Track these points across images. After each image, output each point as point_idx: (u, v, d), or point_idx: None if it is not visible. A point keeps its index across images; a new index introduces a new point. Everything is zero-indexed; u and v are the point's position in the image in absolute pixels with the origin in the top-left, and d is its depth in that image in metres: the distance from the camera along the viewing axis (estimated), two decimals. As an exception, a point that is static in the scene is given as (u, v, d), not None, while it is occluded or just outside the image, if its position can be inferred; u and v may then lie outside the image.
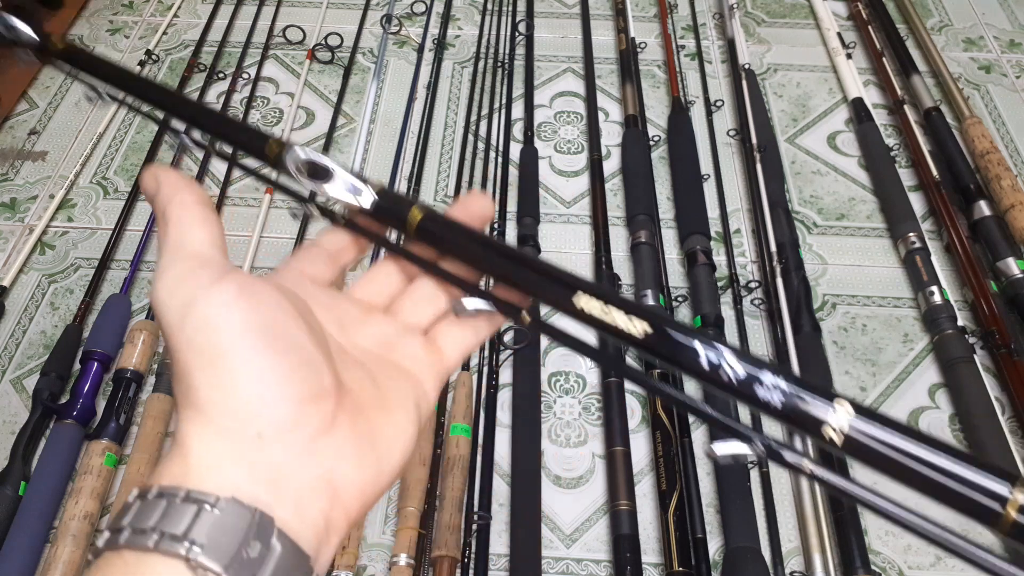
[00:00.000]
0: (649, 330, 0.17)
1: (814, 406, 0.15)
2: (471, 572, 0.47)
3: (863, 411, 0.15)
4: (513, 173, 0.71)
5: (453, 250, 0.20)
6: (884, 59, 0.79)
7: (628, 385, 0.57)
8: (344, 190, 0.20)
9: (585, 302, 0.18)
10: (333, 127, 0.74)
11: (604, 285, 0.17)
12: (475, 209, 0.21)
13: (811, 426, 0.15)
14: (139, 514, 0.14)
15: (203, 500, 0.14)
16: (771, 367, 0.16)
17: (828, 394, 0.15)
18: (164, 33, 0.84)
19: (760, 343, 0.60)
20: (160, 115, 0.23)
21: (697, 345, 0.17)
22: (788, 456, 0.16)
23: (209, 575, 0.13)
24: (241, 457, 0.15)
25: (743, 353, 0.16)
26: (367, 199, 0.20)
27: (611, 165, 0.72)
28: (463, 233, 0.20)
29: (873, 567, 0.49)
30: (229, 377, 0.15)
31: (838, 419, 0.15)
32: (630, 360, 0.59)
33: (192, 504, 0.14)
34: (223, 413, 0.15)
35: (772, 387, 0.16)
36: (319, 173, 0.20)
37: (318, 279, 0.20)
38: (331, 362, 0.17)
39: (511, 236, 0.66)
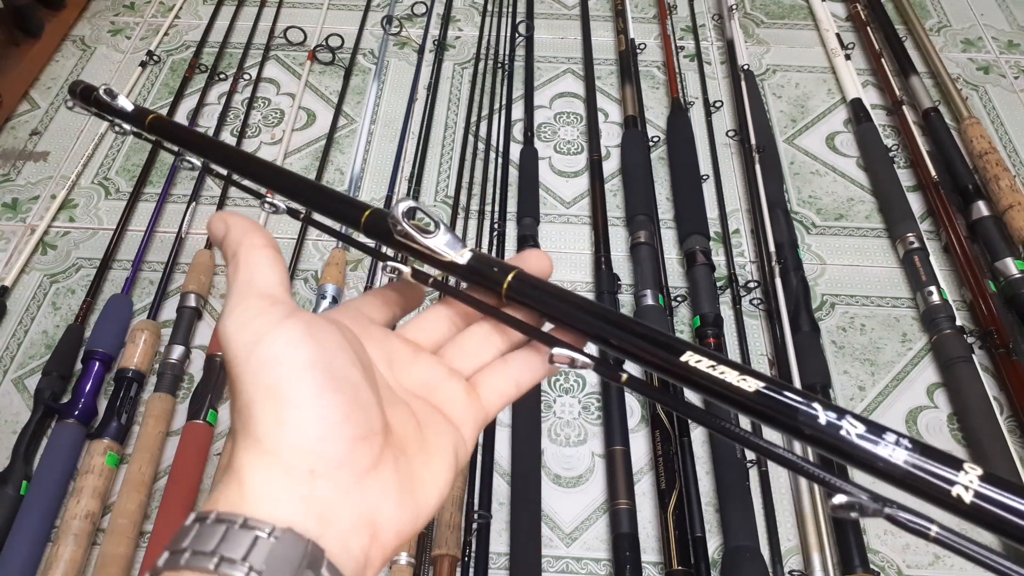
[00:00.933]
0: (763, 388, 0.17)
1: (941, 471, 0.15)
2: (471, 571, 0.47)
3: (991, 478, 0.14)
4: (513, 173, 0.71)
5: (548, 312, 0.20)
6: (883, 60, 0.79)
7: (628, 385, 0.57)
8: (444, 245, 0.21)
9: (694, 361, 0.18)
10: (334, 128, 0.75)
11: (709, 350, 0.17)
12: (534, 264, 0.21)
13: (937, 492, 0.15)
14: (198, 537, 0.15)
15: (260, 528, 0.15)
16: (894, 431, 0.15)
17: (954, 460, 0.15)
18: (165, 34, 0.85)
19: (759, 343, 0.60)
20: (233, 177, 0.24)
21: (817, 406, 0.16)
22: (909, 517, 0.15)
23: None
24: (293, 490, 0.15)
25: (864, 418, 0.16)
26: (463, 256, 0.21)
27: (611, 166, 0.73)
28: (558, 296, 0.20)
29: (872, 566, 0.49)
30: (289, 412, 0.16)
31: (966, 483, 0.14)
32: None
33: (250, 531, 0.14)
34: (280, 446, 0.16)
35: (894, 446, 0.15)
36: (424, 227, 0.21)
37: (373, 317, 0.21)
38: (380, 403, 0.17)
39: (511, 236, 0.66)
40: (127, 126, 0.28)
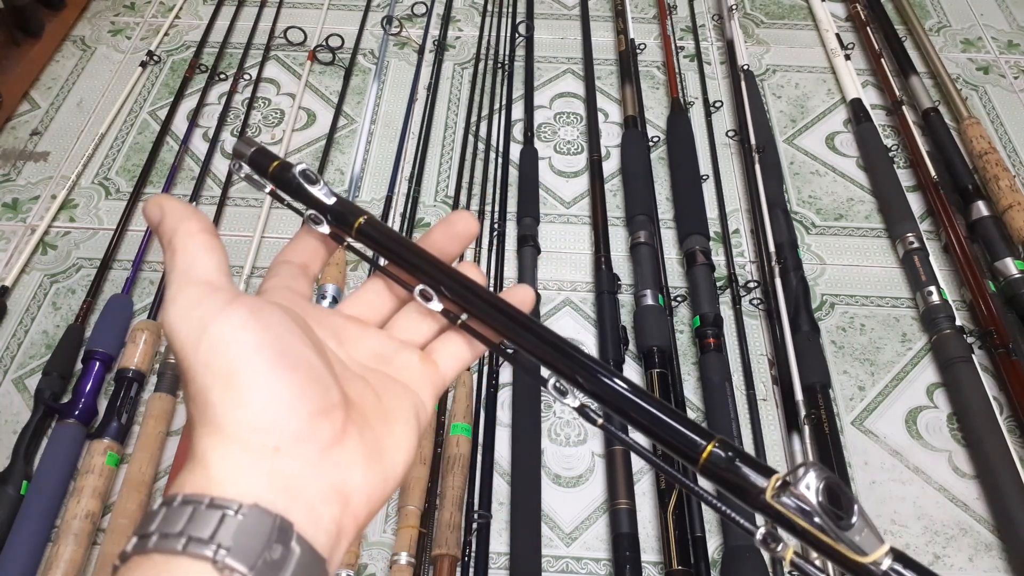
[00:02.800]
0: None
1: None
2: (471, 571, 0.47)
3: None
4: (513, 174, 0.71)
5: (386, 254, 0.21)
6: (882, 60, 0.79)
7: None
8: (320, 192, 0.21)
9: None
10: (334, 128, 0.75)
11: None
12: (459, 228, 0.22)
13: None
14: (166, 520, 0.15)
15: (227, 506, 0.15)
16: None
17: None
18: (166, 34, 0.85)
19: (759, 343, 0.60)
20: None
21: None
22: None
23: (235, 575, 0.14)
24: (258, 469, 0.16)
25: None
26: (330, 200, 0.22)
27: (611, 166, 0.73)
28: (395, 241, 0.21)
29: (871, 566, 0.49)
30: (245, 394, 0.16)
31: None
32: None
33: (216, 510, 0.15)
34: (241, 428, 0.16)
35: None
36: (312, 180, 0.21)
37: (302, 294, 0.21)
38: (336, 377, 0.18)
39: (511, 236, 0.66)
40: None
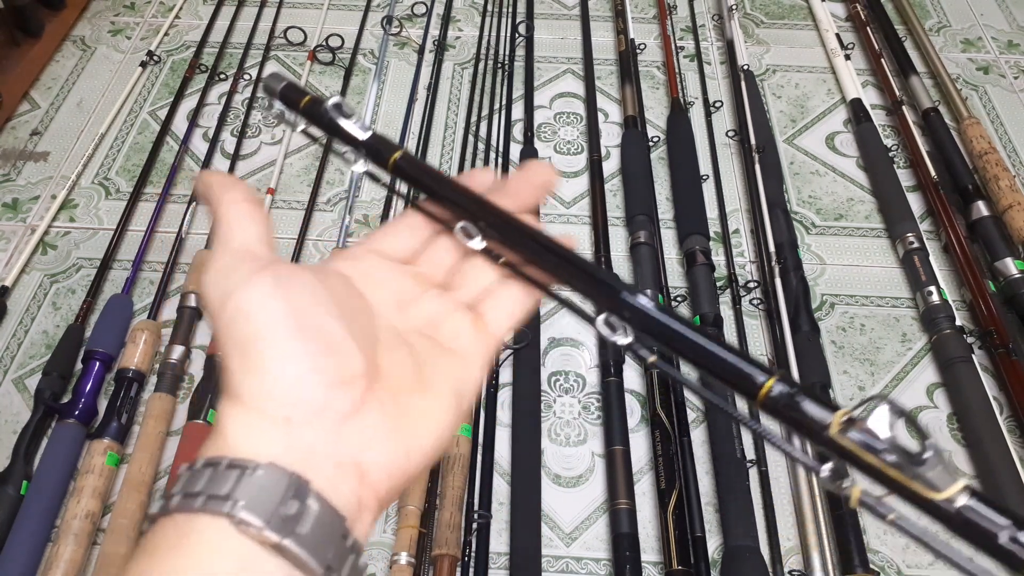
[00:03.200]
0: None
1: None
2: (471, 571, 0.47)
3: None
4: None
5: (425, 188, 0.21)
6: (882, 60, 0.79)
7: (627, 384, 0.57)
8: (355, 126, 0.21)
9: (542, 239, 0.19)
10: (334, 128, 0.75)
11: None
12: (537, 180, 0.21)
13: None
14: (188, 481, 0.15)
15: (244, 465, 0.15)
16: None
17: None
18: (166, 34, 0.85)
19: (759, 343, 0.60)
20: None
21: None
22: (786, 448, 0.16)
23: (251, 529, 0.14)
24: (273, 436, 0.16)
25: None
26: (365, 135, 0.21)
27: (611, 166, 0.73)
28: (434, 176, 0.20)
29: (871, 566, 0.49)
30: (260, 363, 0.16)
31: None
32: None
33: (235, 469, 0.15)
34: (254, 397, 0.16)
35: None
36: (347, 114, 0.21)
37: (391, 255, 0.21)
38: (364, 346, 0.18)
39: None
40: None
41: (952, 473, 0.15)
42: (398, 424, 0.17)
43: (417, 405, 0.18)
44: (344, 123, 0.21)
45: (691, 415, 0.55)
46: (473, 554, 0.48)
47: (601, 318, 0.19)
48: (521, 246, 0.20)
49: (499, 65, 0.80)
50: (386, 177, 0.21)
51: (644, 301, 0.18)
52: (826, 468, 0.16)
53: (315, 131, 0.22)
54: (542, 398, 0.56)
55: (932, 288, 0.60)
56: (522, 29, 0.83)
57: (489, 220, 0.20)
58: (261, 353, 0.16)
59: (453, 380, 0.19)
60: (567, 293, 0.20)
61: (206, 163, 0.72)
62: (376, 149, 0.21)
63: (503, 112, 0.75)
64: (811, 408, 0.16)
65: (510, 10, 0.86)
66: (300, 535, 0.15)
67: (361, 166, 0.21)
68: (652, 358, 0.19)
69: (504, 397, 0.56)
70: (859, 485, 0.16)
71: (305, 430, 0.16)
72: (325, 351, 0.16)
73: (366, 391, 0.17)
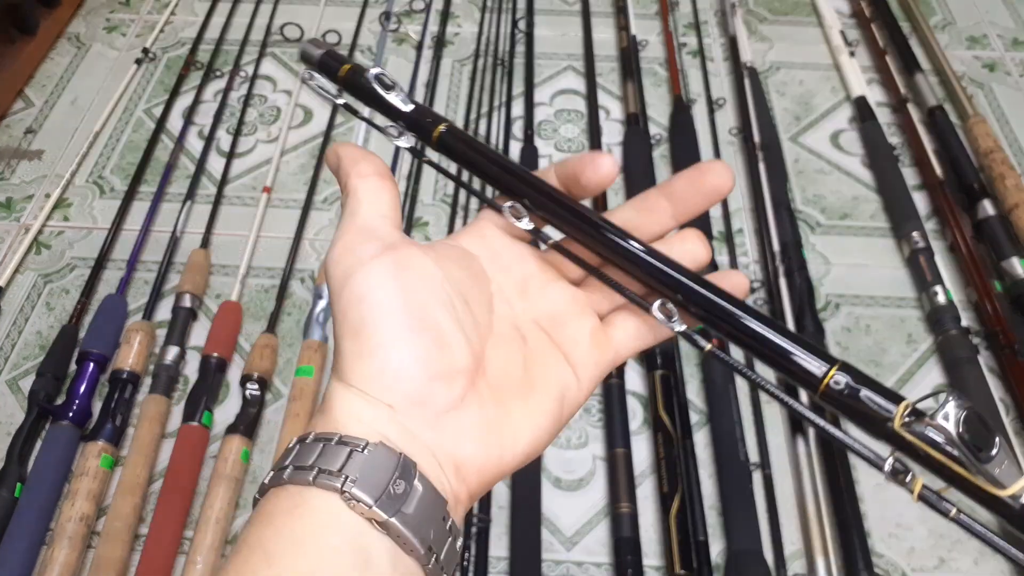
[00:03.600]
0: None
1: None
2: (471, 575, 0.47)
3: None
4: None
5: (471, 165, 0.19)
6: (887, 57, 0.79)
7: (629, 386, 0.56)
8: (397, 99, 0.20)
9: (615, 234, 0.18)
10: (331, 125, 0.74)
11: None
12: (710, 180, 0.19)
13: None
14: (299, 454, 0.16)
15: (355, 443, 0.16)
16: None
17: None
18: (161, 31, 0.84)
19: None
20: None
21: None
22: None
23: (361, 505, 0.15)
24: (380, 420, 0.16)
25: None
26: (407, 107, 0.20)
27: (612, 164, 0.72)
28: (482, 152, 0.19)
29: (876, 570, 0.48)
30: (368, 348, 0.16)
31: None
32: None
33: (345, 446, 0.16)
34: (360, 381, 0.16)
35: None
36: (388, 86, 0.20)
37: (519, 233, 0.20)
38: (474, 339, 0.18)
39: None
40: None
41: (1019, 469, 0.15)
42: (496, 424, 0.17)
43: (518, 407, 0.18)
44: (387, 95, 0.20)
45: (694, 417, 0.54)
46: (472, 558, 0.47)
47: (657, 304, 0.18)
48: (574, 228, 0.19)
49: (499, 62, 0.79)
50: (433, 156, 0.20)
51: (699, 291, 0.18)
52: (889, 462, 0.15)
53: (356, 104, 0.21)
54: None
55: (938, 288, 0.59)
56: (522, 25, 0.82)
57: (539, 201, 0.19)
58: (371, 339, 0.16)
59: (560, 386, 0.19)
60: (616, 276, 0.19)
61: (201, 162, 0.71)
62: (418, 122, 0.20)
63: (503, 109, 0.74)
64: (875, 399, 0.15)
65: (510, 6, 0.85)
66: (405, 514, 0.15)
67: (405, 141, 0.20)
68: (708, 346, 0.18)
69: (504, 399, 0.55)
70: (920, 478, 0.15)
71: (406, 419, 0.16)
72: (432, 344, 0.17)
73: (468, 387, 0.17)
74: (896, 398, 0.15)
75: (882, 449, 0.16)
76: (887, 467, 0.15)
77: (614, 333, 0.20)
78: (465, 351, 0.17)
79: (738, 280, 0.19)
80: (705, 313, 0.17)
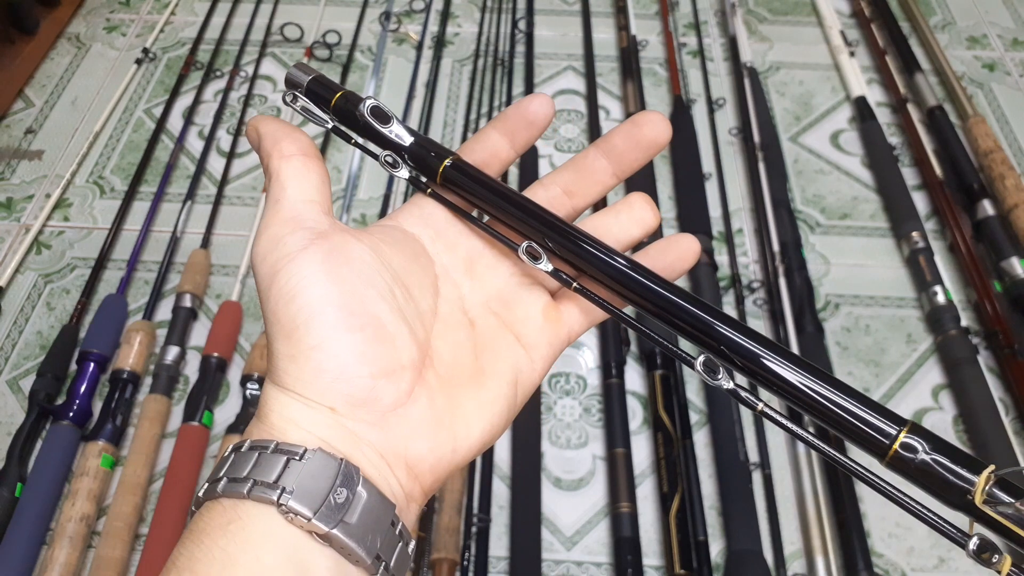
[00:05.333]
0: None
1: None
2: (471, 574, 0.47)
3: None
4: (513, 172, 0.70)
5: (479, 203, 0.18)
6: (887, 57, 0.79)
7: (629, 386, 0.56)
8: (394, 132, 0.18)
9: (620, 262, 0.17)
10: (332, 126, 0.74)
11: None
12: (647, 132, 0.18)
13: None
14: (234, 465, 0.15)
15: (292, 451, 0.15)
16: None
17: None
18: (161, 31, 0.84)
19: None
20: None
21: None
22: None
23: (299, 519, 0.14)
24: (318, 423, 0.15)
25: None
26: (407, 140, 0.18)
27: (612, 164, 0.72)
28: (492, 188, 0.18)
29: (876, 570, 0.48)
30: (303, 351, 0.15)
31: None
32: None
33: (281, 455, 0.15)
34: (296, 384, 0.15)
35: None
36: (384, 119, 0.18)
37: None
38: (419, 330, 0.16)
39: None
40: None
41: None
42: (447, 417, 0.16)
43: (470, 396, 0.17)
44: (383, 129, 0.18)
45: (694, 417, 0.54)
46: (472, 558, 0.47)
47: (701, 360, 0.16)
48: (597, 271, 0.17)
49: (499, 62, 0.79)
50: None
51: (747, 348, 0.16)
52: (974, 541, 0.13)
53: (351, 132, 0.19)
54: (542, 400, 0.56)
55: (937, 288, 0.59)
56: (522, 25, 0.82)
57: (558, 241, 0.17)
58: (304, 339, 0.15)
59: (513, 369, 0.18)
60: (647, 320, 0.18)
61: (201, 161, 0.71)
62: (421, 157, 0.18)
63: (503, 109, 0.74)
64: (951, 469, 0.13)
65: (510, 6, 0.85)
66: (349, 524, 0.14)
67: (404, 172, 0.18)
68: (760, 405, 0.16)
69: (504, 399, 0.55)
70: (1008, 558, 0.14)
71: (349, 421, 0.15)
72: (373, 339, 0.15)
73: (415, 381, 0.16)
74: (977, 465, 0.14)
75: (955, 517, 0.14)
76: (971, 546, 0.13)
77: (566, 309, 0.19)
78: (409, 343, 0.16)
79: (687, 244, 0.19)
80: (766, 382, 0.16)
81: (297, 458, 0.14)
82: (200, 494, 0.15)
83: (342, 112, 0.19)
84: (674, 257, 0.19)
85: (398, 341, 0.16)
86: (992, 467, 0.14)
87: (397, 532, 0.15)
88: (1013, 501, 0.13)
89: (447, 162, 0.18)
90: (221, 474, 0.15)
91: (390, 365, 0.16)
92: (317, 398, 0.15)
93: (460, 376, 0.17)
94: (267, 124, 0.18)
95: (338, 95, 0.19)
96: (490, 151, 0.19)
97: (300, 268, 0.16)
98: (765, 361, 0.16)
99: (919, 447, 0.14)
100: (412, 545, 0.16)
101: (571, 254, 0.17)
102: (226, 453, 0.15)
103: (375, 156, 0.19)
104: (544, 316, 0.18)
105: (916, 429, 0.14)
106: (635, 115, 0.19)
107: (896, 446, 0.14)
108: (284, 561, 0.14)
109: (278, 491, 0.14)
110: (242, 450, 0.15)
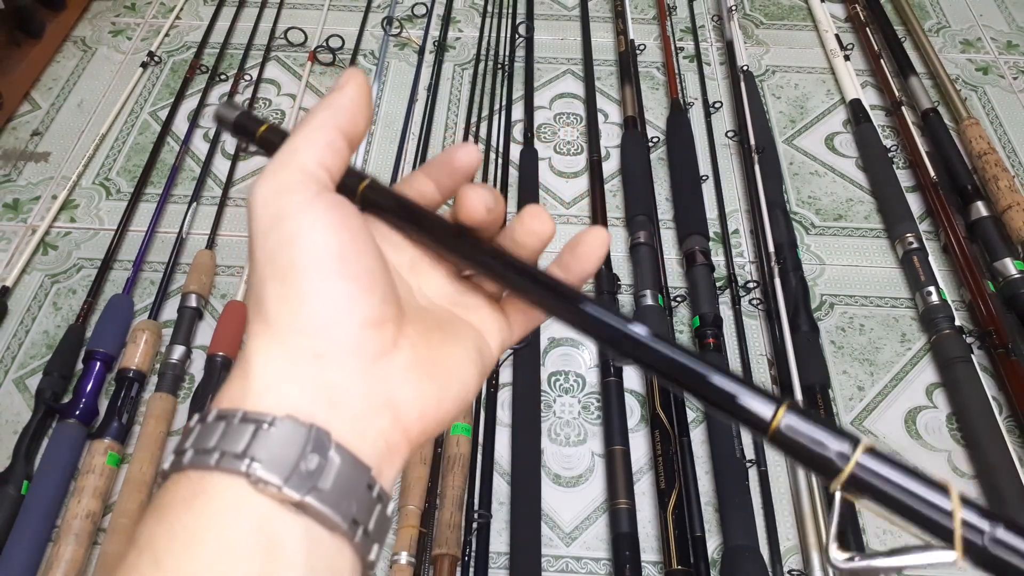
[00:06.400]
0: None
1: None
2: (471, 570, 0.47)
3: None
4: (513, 174, 0.71)
5: (396, 219, 0.19)
6: (882, 61, 0.79)
7: (627, 384, 0.57)
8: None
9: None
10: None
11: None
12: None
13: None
14: (200, 436, 0.14)
15: (260, 420, 0.14)
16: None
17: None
18: (166, 35, 0.85)
19: (758, 343, 0.60)
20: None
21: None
22: None
23: (270, 488, 0.14)
24: (300, 375, 0.15)
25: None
26: None
27: (610, 166, 0.73)
28: (404, 206, 0.19)
29: (871, 565, 0.49)
30: (298, 293, 0.15)
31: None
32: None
33: (249, 424, 0.14)
34: (287, 328, 0.15)
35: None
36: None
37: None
38: (396, 292, 0.17)
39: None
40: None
41: None
42: (430, 366, 0.17)
43: (446, 352, 0.17)
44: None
45: (691, 415, 0.55)
46: (473, 554, 0.48)
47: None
48: (508, 281, 0.18)
49: (499, 66, 0.80)
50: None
51: (635, 340, 0.16)
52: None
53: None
54: (542, 398, 0.56)
55: (931, 288, 0.60)
56: (522, 30, 0.83)
57: (471, 256, 0.18)
58: (301, 284, 0.15)
59: (473, 341, 0.18)
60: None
61: (206, 164, 0.72)
62: (343, 182, 0.18)
63: (503, 113, 0.75)
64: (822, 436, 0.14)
65: (510, 11, 0.86)
66: (322, 491, 0.14)
67: None
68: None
69: (504, 397, 0.56)
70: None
71: (332, 369, 0.15)
72: (363, 289, 0.16)
73: (397, 334, 0.16)
74: (849, 437, 0.14)
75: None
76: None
77: (509, 311, 0.20)
78: (394, 299, 0.17)
79: (595, 234, 0.19)
80: (649, 366, 0.17)
81: (265, 426, 0.14)
82: (165, 466, 0.15)
83: (266, 142, 0.20)
84: (583, 251, 0.19)
85: (385, 293, 0.16)
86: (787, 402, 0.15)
87: (375, 495, 0.15)
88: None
89: (364, 183, 0.19)
90: (187, 445, 0.14)
91: (378, 315, 0.16)
92: (305, 344, 0.15)
93: (434, 336, 0.17)
94: (354, 85, 0.18)
95: (263, 128, 0.20)
96: (416, 191, 0.20)
97: (308, 216, 0.16)
98: (653, 352, 0.16)
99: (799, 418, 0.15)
100: (392, 507, 0.16)
101: (485, 269, 0.18)
102: (191, 423, 0.15)
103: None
104: (491, 310, 0.20)
105: (794, 406, 0.15)
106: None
107: (775, 422, 0.15)
108: (250, 533, 0.13)
109: (247, 461, 0.14)
110: (208, 420, 0.15)
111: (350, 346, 0.15)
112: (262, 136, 0.19)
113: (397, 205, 0.19)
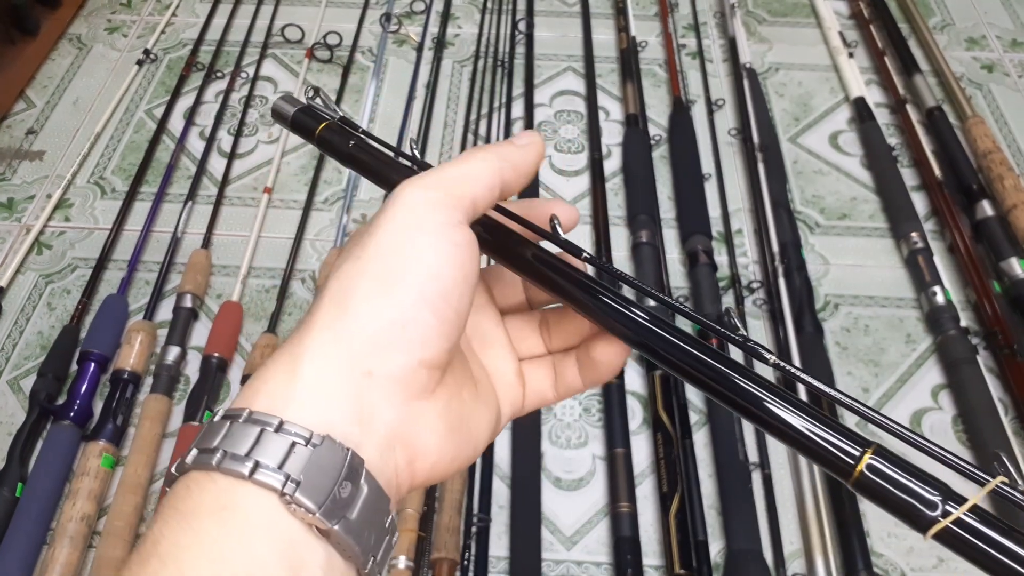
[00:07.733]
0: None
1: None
2: (470, 574, 0.47)
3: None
4: (513, 173, 0.70)
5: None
6: (886, 58, 0.79)
7: (629, 386, 0.56)
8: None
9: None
10: (332, 126, 0.74)
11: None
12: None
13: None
14: (230, 437, 0.14)
15: (298, 434, 0.14)
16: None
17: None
18: (162, 32, 0.84)
19: (762, 344, 0.59)
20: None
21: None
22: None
23: (302, 511, 0.13)
24: (346, 389, 0.15)
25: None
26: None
27: (612, 164, 0.72)
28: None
29: (875, 569, 0.48)
30: (389, 302, 0.15)
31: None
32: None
33: (286, 436, 0.14)
34: (360, 329, 0.15)
35: None
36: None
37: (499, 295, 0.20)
38: (459, 342, 0.17)
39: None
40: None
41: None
42: (456, 423, 0.17)
43: (473, 410, 0.17)
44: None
45: (693, 417, 0.54)
46: (472, 558, 0.47)
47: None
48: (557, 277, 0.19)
49: (499, 63, 0.79)
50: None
51: (715, 370, 0.17)
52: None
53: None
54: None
55: (936, 288, 0.60)
56: (522, 26, 0.82)
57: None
58: (396, 294, 0.15)
59: (494, 404, 0.19)
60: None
61: (202, 162, 0.71)
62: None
63: (503, 110, 0.75)
64: (916, 488, 0.14)
65: (510, 7, 0.85)
66: (349, 520, 0.14)
67: None
68: (772, 359, 0.17)
69: (504, 399, 0.56)
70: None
71: (377, 391, 0.15)
72: (442, 334, 0.16)
73: (440, 382, 0.16)
74: (943, 490, 0.14)
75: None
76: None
77: (528, 378, 0.20)
78: (457, 348, 0.17)
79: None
80: (726, 399, 0.16)
81: (303, 443, 0.14)
82: (189, 460, 0.14)
83: (326, 142, 0.20)
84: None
85: (454, 344, 0.16)
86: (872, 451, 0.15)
87: (387, 525, 0.15)
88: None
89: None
90: (215, 443, 0.14)
91: (440, 361, 0.16)
92: (366, 353, 0.15)
93: (468, 392, 0.18)
94: (531, 155, 0.18)
95: (323, 125, 0.20)
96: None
97: (441, 238, 0.16)
98: (736, 384, 0.17)
99: (884, 466, 0.15)
100: (396, 537, 0.16)
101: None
102: (217, 419, 0.14)
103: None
104: (515, 376, 0.20)
105: (882, 451, 0.15)
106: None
107: (860, 466, 0.15)
108: (279, 556, 0.13)
109: (282, 478, 0.13)
110: (240, 420, 0.14)
111: (401, 377, 0.15)
112: (320, 136, 0.19)
113: (523, 256, 0.19)
